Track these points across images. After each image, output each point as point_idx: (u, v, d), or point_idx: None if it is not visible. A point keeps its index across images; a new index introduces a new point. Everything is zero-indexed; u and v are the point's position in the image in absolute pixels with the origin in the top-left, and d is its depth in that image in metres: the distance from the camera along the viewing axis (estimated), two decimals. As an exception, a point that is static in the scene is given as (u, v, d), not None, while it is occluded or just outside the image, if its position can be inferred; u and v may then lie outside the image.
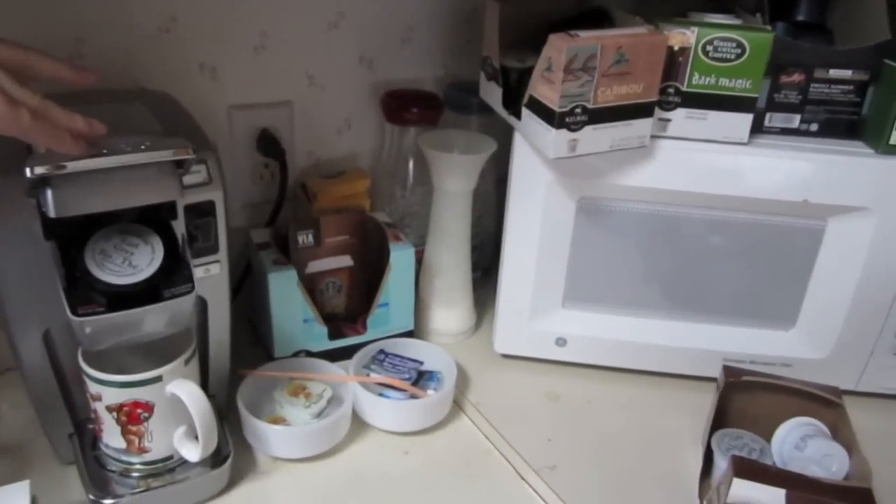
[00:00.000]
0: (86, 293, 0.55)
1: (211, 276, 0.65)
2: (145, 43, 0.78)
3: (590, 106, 0.66)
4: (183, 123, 0.67)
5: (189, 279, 0.59)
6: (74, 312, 0.54)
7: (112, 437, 0.63)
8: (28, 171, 0.50)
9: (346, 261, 0.85)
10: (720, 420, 0.73)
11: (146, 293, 0.57)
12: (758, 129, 0.74)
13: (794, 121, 0.75)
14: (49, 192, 0.52)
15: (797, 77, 0.73)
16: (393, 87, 0.93)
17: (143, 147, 0.54)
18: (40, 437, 0.68)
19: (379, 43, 0.92)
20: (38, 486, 0.63)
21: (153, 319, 0.58)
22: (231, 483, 0.68)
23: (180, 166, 0.57)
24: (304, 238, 0.81)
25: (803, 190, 0.73)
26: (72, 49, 0.74)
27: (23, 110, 0.48)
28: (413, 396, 0.77)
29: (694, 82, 0.71)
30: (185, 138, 0.57)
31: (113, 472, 0.65)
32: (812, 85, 0.73)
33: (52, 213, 0.52)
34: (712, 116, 0.72)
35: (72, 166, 0.51)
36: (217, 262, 0.65)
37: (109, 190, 0.54)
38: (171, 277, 0.58)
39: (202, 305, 0.67)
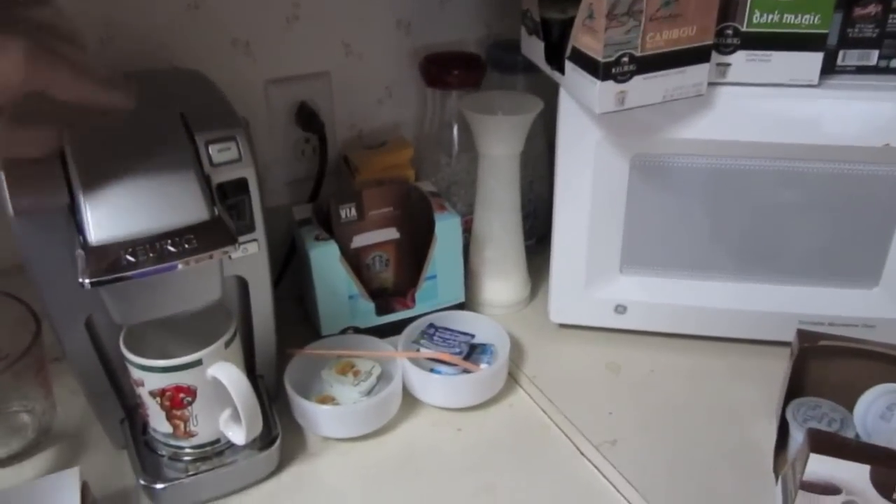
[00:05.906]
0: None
1: (249, 255, 0.64)
2: (174, 21, 0.76)
3: (637, 54, 0.61)
4: (213, 102, 0.65)
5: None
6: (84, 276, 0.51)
7: (158, 421, 0.63)
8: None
9: (391, 233, 0.82)
10: (795, 389, 0.67)
11: None
12: (830, 68, 0.67)
13: (872, 57, 0.67)
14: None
15: (873, 8, 0.65)
16: (433, 51, 0.89)
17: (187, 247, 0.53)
18: (96, 423, 0.69)
19: (416, 5, 0.88)
20: (92, 472, 0.64)
21: (176, 287, 0.57)
22: (281, 464, 0.67)
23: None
24: (347, 212, 0.79)
25: (884, 133, 0.66)
26: (101, 32, 0.73)
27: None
28: (465, 371, 0.74)
29: (755, 21, 0.64)
30: (214, 117, 0.56)
31: (163, 456, 0.64)
32: (891, 16, 0.65)
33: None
34: (777, 58, 0.65)
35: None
36: (254, 240, 0.63)
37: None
38: None
39: (243, 286, 0.66)
